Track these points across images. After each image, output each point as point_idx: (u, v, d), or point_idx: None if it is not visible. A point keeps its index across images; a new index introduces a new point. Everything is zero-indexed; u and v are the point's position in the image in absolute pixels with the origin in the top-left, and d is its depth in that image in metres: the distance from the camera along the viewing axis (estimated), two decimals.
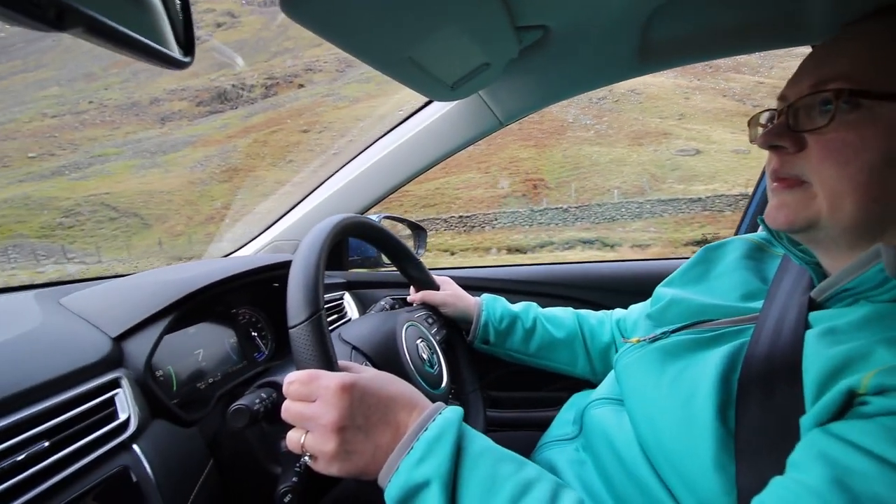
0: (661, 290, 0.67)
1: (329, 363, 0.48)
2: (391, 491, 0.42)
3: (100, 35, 0.28)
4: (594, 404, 0.63)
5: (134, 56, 0.32)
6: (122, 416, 0.53)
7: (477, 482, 0.41)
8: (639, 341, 0.60)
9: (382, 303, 0.92)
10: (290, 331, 0.49)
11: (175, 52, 0.35)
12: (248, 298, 0.87)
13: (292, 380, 0.46)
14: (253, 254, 1.15)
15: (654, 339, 0.57)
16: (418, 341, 0.68)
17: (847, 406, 0.36)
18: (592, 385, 0.73)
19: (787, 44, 0.77)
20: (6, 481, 0.41)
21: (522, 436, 0.81)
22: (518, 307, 0.87)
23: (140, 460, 0.53)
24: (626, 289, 1.15)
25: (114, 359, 0.57)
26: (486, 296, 0.87)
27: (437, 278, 0.87)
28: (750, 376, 0.44)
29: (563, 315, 0.87)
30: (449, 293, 0.85)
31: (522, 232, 14.63)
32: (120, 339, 0.60)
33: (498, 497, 0.40)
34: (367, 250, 1.11)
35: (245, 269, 0.79)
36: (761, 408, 0.42)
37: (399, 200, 16.07)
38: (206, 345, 0.75)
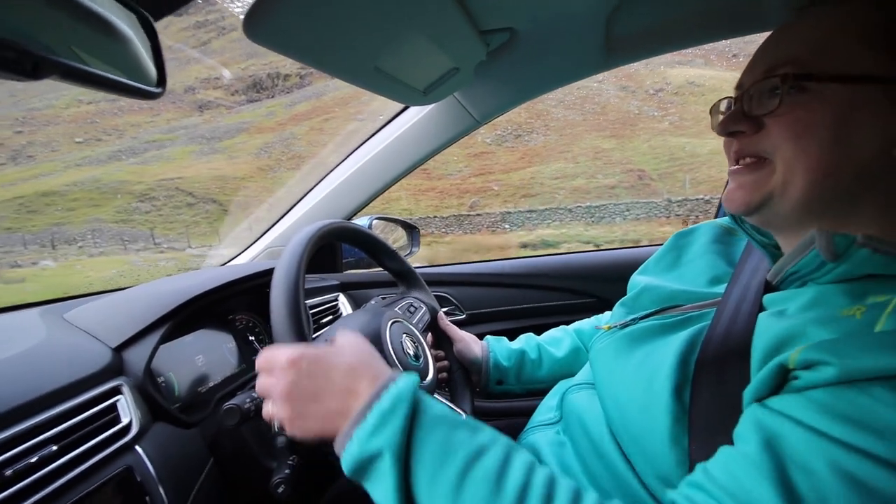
0: (636, 278, 0.69)
1: (298, 336, 0.53)
2: (346, 459, 0.44)
3: (75, 78, 0.31)
4: (572, 389, 0.67)
5: (109, 92, 0.36)
6: (125, 421, 0.59)
7: (430, 451, 0.43)
8: (610, 328, 0.63)
9: (373, 302, 0.91)
10: (271, 310, 0.54)
11: (149, 84, 0.38)
12: (245, 304, 0.93)
13: (259, 358, 0.52)
14: (249, 261, 1.22)
15: (625, 326, 0.60)
16: (403, 336, 0.70)
17: (782, 382, 0.39)
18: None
19: (749, 30, 0.79)
20: (20, 482, 0.46)
21: (510, 423, 0.82)
22: (518, 342, 0.90)
23: (143, 461, 0.58)
24: (610, 276, 1.21)
25: (114, 367, 0.62)
26: (489, 338, 0.90)
27: (456, 330, 0.89)
28: (706, 357, 0.47)
29: (561, 334, 0.90)
30: (466, 335, 0.89)
31: (670, 223, 13.91)
32: (119, 349, 0.65)
33: (450, 465, 0.42)
34: (357, 253, 1.12)
35: (238, 276, 0.85)
36: (714, 387, 0.45)
37: (493, 189, 15.37)
38: (206, 350, 0.80)
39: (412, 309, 0.82)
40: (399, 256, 0.87)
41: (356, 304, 1.19)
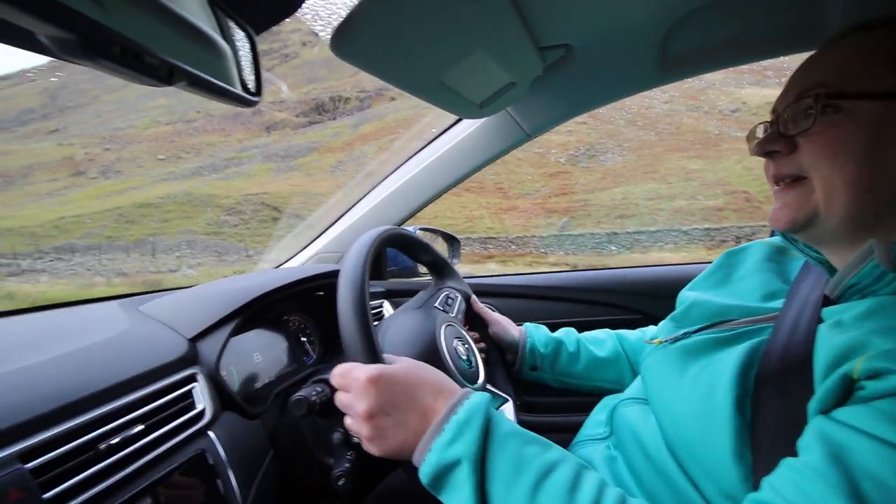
0: (685, 294, 0.69)
1: (371, 356, 0.54)
2: (425, 469, 0.47)
3: (197, 86, 0.36)
4: (623, 404, 0.67)
5: (217, 99, 0.40)
6: (199, 407, 0.62)
7: (505, 462, 0.45)
8: (661, 342, 0.63)
9: (415, 299, 0.89)
10: (340, 327, 0.56)
11: (248, 92, 0.43)
12: (297, 306, 0.97)
13: (335, 373, 0.55)
14: (299, 265, 1.27)
15: (676, 340, 0.60)
16: (455, 341, 0.73)
17: (847, 392, 0.39)
18: (622, 390, 0.75)
19: (806, 47, 0.78)
20: (110, 457, 0.49)
21: (554, 438, 0.76)
22: (559, 333, 0.91)
23: (215, 445, 0.61)
24: (659, 293, 1.18)
25: (190, 357, 0.66)
26: (528, 324, 0.91)
27: (489, 313, 0.92)
28: (767, 371, 0.47)
29: (603, 336, 0.91)
30: (501, 317, 0.91)
31: None
32: (194, 340, 0.70)
33: (524, 476, 0.44)
34: (404, 260, 1.16)
35: (295, 278, 0.89)
36: (776, 400, 0.45)
37: (584, 210, 14.72)
38: (262, 349, 0.85)
39: (450, 301, 0.84)
40: (431, 248, 0.88)
41: None
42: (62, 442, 0.47)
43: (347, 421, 0.54)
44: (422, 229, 1.15)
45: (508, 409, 0.76)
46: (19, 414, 0.45)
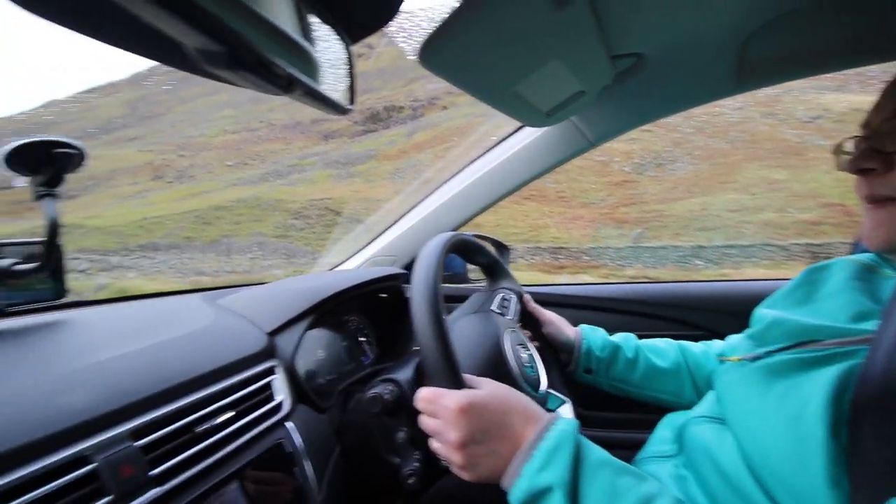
0: (762, 312, 0.67)
1: (455, 380, 0.53)
2: (515, 493, 0.47)
3: (309, 96, 0.37)
4: (693, 422, 0.65)
5: (319, 107, 0.41)
6: (278, 398, 0.65)
7: (598, 491, 0.45)
8: (739, 360, 0.61)
9: (471, 303, 0.88)
10: (420, 347, 0.54)
11: (343, 100, 0.44)
12: (357, 307, 1.00)
13: (421, 396, 0.55)
14: (354, 268, 1.29)
15: (756, 358, 0.58)
16: (518, 348, 0.72)
17: None
18: (685, 407, 0.73)
19: (892, 58, 0.74)
20: (202, 443, 0.51)
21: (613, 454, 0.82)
22: (617, 337, 0.89)
23: (292, 436, 0.64)
24: (724, 309, 1.14)
25: (269, 350, 0.69)
26: (584, 326, 0.90)
27: (543, 312, 0.93)
28: (865, 396, 0.45)
29: (665, 346, 0.88)
30: (556, 317, 0.91)
31: None
32: (272, 334, 0.73)
33: None
34: (455, 267, 1.15)
35: (362, 280, 0.93)
36: (877, 428, 0.43)
37: (658, 221, 13.98)
38: (325, 346, 0.88)
39: (505, 303, 0.84)
40: (487, 250, 0.89)
41: None
42: (165, 423, 0.50)
43: (435, 445, 0.55)
44: (475, 235, 1.15)
45: (567, 411, 0.76)
46: (130, 395, 0.48)
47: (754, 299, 0.70)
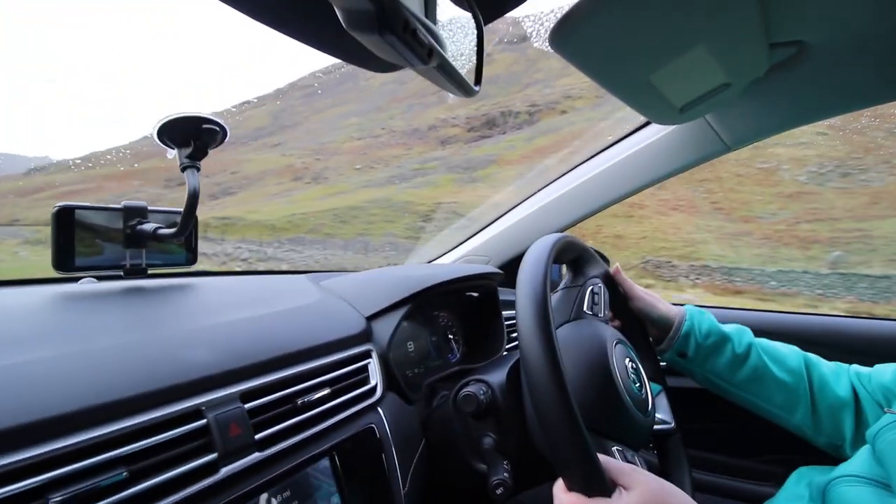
0: None
1: (599, 484, 0.45)
2: None
3: (442, 70, 0.37)
4: (842, 482, 0.57)
5: (449, 87, 0.41)
6: (372, 382, 0.66)
7: None
8: None
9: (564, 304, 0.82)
10: (540, 422, 0.48)
11: (470, 82, 0.43)
12: (446, 303, 1.00)
13: (561, 500, 0.48)
14: (450, 263, 1.28)
15: None
16: (626, 361, 0.66)
17: None
18: (816, 458, 0.65)
19: None
20: (302, 414, 0.53)
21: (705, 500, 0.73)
22: (729, 328, 0.79)
23: (383, 421, 0.64)
24: None
25: (366, 333, 0.71)
26: (690, 306, 0.81)
27: (633, 287, 0.84)
28: None
29: (787, 351, 0.77)
30: (648, 292, 0.83)
31: None
32: (370, 319, 0.74)
33: None
34: (552, 275, 1.15)
35: (457, 275, 0.90)
36: None
37: (861, 241, 11.40)
38: (415, 339, 0.88)
39: (596, 298, 0.78)
40: (576, 242, 0.81)
41: None
42: (270, 390, 0.51)
43: None
44: None
45: (661, 402, 0.72)
46: (242, 359, 0.50)
47: None
